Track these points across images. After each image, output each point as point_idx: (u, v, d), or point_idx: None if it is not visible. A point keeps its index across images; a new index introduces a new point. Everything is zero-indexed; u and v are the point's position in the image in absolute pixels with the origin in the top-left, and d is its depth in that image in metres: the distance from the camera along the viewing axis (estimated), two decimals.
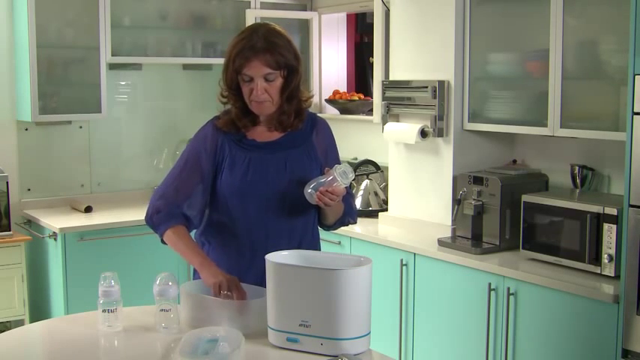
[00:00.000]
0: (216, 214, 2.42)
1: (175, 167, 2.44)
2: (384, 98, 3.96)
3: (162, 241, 2.43)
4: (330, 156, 2.50)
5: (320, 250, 2.52)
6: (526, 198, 3.27)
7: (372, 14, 4.68)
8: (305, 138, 2.44)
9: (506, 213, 3.38)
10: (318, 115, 2.60)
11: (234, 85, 2.35)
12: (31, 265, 4.38)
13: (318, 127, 2.49)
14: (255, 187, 2.35)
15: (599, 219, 2.97)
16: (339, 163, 2.47)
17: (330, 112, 5.10)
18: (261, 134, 2.41)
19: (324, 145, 2.48)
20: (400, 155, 3.97)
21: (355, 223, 2.60)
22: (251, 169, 2.36)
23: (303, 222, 2.43)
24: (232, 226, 2.40)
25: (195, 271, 2.49)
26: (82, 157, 4.72)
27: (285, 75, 2.33)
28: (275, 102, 2.35)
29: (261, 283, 2.23)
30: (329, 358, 1.99)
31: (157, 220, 2.39)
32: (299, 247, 2.38)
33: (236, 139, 2.40)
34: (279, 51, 2.30)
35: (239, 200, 2.37)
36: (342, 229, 3.94)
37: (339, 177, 2.26)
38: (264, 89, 2.30)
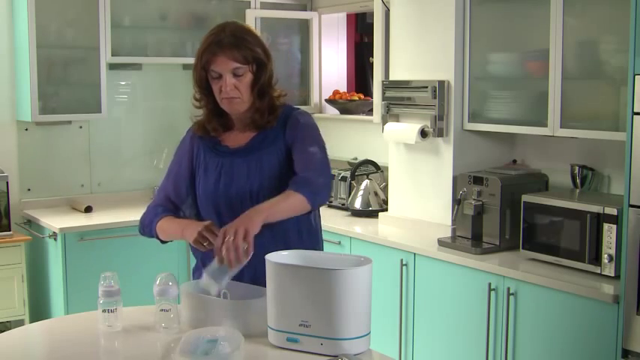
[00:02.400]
0: (202, 218, 2.43)
1: (163, 180, 2.50)
2: (384, 98, 3.96)
3: (163, 241, 2.43)
4: (295, 151, 2.33)
5: (321, 248, 2.51)
6: (526, 198, 3.27)
7: (372, 14, 4.68)
8: (276, 137, 2.37)
9: (506, 213, 3.38)
10: (299, 108, 2.46)
11: (203, 84, 2.33)
12: (31, 265, 4.38)
13: (288, 121, 2.38)
14: (226, 193, 2.34)
15: (599, 219, 2.97)
16: (305, 159, 2.30)
17: (330, 112, 5.11)
18: (235, 139, 2.39)
19: (291, 140, 2.35)
20: (400, 155, 3.97)
21: (327, 189, 2.34)
22: (222, 175, 2.35)
23: (283, 221, 2.29)
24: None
25: (194, 271, 2.49)
26: (82, 157, 4.72)
27: (254, 70, 2.30)
28: (245, 98, 2.31)
29: (252, 283, 2.25)
30: (329, 358, 1.99)
31: (145, 228, 2.43)
32: (287, 247, 2.28)
33: (211, 145, 2.40)
34: (247, 45, 2.28)
35: (213, 206, 2.37)
36: (342, 229, 3.97)
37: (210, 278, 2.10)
38: (233, 85, 2.27)
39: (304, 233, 2.40)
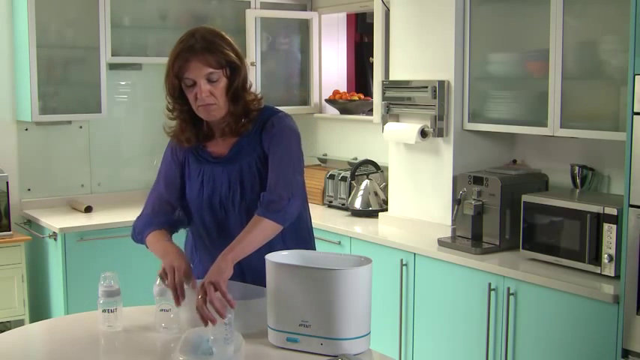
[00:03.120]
0: (191, 223, 2.43)
1: (153, 184, 2.45)
2: (384, 98, 3.96)
3: None
4: (269, 162, 2.29)
5: (313, 248, 2.49)
6: (526, 198, 3.27)
7: (372, 14, 4.68)
8: (254, 144, 2.32)
9: (506, 213, 3.38)
10: (280, 111, 2.38)
11: (176, 93, 2.26)
12: (31, 265, 4.38)
13: (265, 127, 2.31)
14: (210, 202, 2.32)
15: (599, 219, 2.97)
16: (274, 174, 2.27)
17: (330, 112, 5.11)
18: (217, 146, 2.35)
19: (266, 148, 2.30)
20: (400, 155, 3.97)
21: (291, 207, 2.26)
22: (205, 185, 2.33)
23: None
24: (201, 236, 2.40)
25: None
26: (82, 157, 4.72)
27: (228, 74, 2.24)
28: (221, 104, 2.25)
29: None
30: (329, 358, 1.99)
31: (136, 238, 2.41)
32: (270, 250, 2.24)
33: (194, 151, 2.36)
34: (219, 49, 2.22)
35: (198, 214, 2.36)
36: (342, 229, 3.96)
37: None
38: (208, 91, 2.21)
39: (288, 236, 2.35)
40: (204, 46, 2.21)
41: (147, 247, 2.40)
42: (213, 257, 2.32)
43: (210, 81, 2.22)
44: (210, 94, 2.22)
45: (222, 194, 2.32)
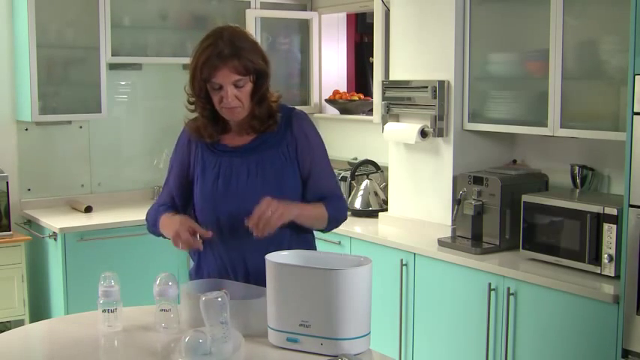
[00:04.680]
0: (197, 219, 2.41)
1: (167, 176, 2.49)
2: (384, 98, 3.96)
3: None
4: (304, 152, 2.36)
5: (314, 248, 2.50)
6: (526, 198, 3.27)
7: (372, 14, 4.68)
8: (280, 137, 2.35)
9: (506, 213, 3.38)
10: (294, 108, 2.46)
11: (202, 94, 2.30)
12: (31, 265, 4.38)
13: (293, 122, 2.37)
14: (226, 193, 2.32)
15: (599, 219, 2.97)
16: (318, 160, 2.39)
17: (330, 112, 5.11)
18: (233, 138, 2.37)
19: (297, 139, 2.36)
20: (400, 155, 3.97)
21: (345, 219, 2.47)
22: (221, 175, 2.34)
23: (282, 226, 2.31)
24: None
25: (190, 272, 2.48)
26: (82, 157, 4.72)
27: (254, 80, 2.29)
28: (246, 106, 2.29)
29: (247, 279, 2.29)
30: (329, 358, 1.99)
31: (151, 227, 2.44)
32: (279, 245, 2.28)
33: (209, 143, 2.38)
34: (247, 56, 2.25)
35: (211, 207, 2.35)
36: (342, 229, 3.96)
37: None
38: (234, 95, 2.25)
39: (295, 234, 2.37)
40: (233, 53, 2.23)
41: (164, 236, 2.39)
42: (219, 257, 2.33)
43: (236, 86, 2.26)
44: (235, 98, 2.26)
45: (240, 184, 2.32)
